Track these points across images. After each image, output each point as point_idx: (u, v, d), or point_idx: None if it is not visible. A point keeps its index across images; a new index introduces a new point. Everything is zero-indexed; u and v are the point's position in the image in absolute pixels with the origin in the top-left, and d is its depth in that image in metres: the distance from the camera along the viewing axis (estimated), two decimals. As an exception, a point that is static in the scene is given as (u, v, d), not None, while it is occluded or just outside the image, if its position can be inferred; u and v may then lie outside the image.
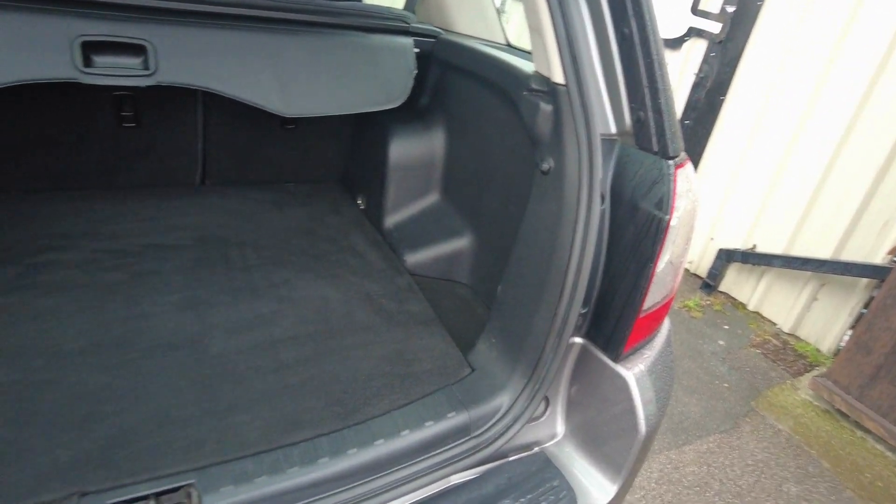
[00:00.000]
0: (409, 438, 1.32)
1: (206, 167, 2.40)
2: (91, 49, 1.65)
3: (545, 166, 1.42)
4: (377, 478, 1.27)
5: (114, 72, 1.70)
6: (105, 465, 1.16)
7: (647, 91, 1.20)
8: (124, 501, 1.08)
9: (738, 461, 2.77)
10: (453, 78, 2.13)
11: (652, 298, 1.36)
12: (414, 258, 2.09)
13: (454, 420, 1.38)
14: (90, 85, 1.66)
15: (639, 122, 1.24)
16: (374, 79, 2.07)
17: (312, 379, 1.47)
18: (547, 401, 1.54)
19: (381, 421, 1.35)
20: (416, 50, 2.13)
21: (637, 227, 1.29)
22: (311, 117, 2.01)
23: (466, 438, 1.39)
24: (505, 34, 2.27)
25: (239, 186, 2.47)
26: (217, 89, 1.83)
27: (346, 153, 2.61)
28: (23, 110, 1.94)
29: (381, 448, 1.29)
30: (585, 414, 1.55)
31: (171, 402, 1.34)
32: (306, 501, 1.19)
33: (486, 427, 1.41)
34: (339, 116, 2.08)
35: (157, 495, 1.11)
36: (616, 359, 1.42)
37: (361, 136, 2.49)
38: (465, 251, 2.05)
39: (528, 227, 1.53)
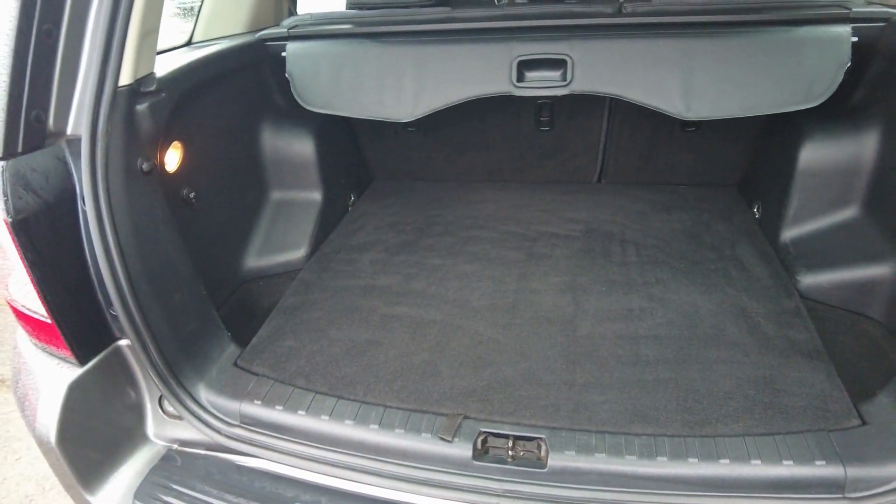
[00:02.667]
0: (759, 470, 1.22)
1: (603, 167, 2.59)
2: (524, 66, 2.00)
3: None
4: (717, 496, 1.22)
5: (539, 84, 2.02)
6: (483, 401, 1.45)
7: None
8: (491, 433, 1.35)
9: None
10: None
11: None
12: (811, 280, 1.83)
13: (823, 470, 1.20)
14: (519, 96, 2.03)
15: None
16: (793, 76, 1.87)
17: (668, 381, 1.49)
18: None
19: (730, 441, 1.29)
20: (854, 39, 1.82)
21: None
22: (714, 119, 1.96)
23: (838, 497, 1.20)
24: None
25: (631, 186, 2.59)
26: (622, 95, 1.97)
27: (747, 156, 2.43)
28: (468, 118, 2.48)
29: (725, 468, 1.23)
30: None
31: (541, 366, 1.57)
32: (637, 491, 1.25)
33: (869, 493, 1.18)
34: (745, 117, 1.96)
35: (516, 438, 1.34)
36: None
37: (769, 138, 2.27)
38: (884, 280, 1.68)
39: None
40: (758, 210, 2.27)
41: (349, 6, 2.29)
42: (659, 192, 2.52)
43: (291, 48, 2.17)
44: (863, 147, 1.85)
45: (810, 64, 1.85)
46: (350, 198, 2.63)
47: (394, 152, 2.75)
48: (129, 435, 1.53)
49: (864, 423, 1.30)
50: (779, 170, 2.08)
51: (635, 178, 2.60)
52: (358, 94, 2.14)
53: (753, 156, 2.41)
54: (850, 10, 1.86)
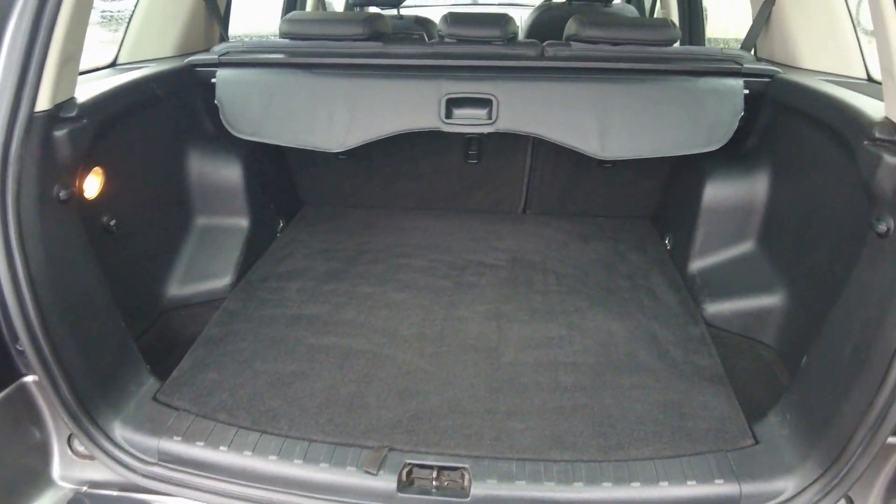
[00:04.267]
0: (666, 491, 1.31)
1: (528, 199, 2.71)
2: (452, 104, 2.08)
3: (882, 228, 1.23)
4: None
5: (466, 121, 2.11)
6: (409, 432, 1.48)
7: None
8: (417, 465, 1.37)
9: None
10: (787, 120, 1.95)
11: None
12: (714, 308, 1.98)
13: (721, 488, 1.31)
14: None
15: None
16: (696, 122, 2.05)
17: (584, 407, 1.57)
18: (849, 502, 1.31)
19: (641, 465, 1.37)
20: (746, 91, 2.02)
21: None
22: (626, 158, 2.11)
23: None
24: (866, 66, 1.97)
25: (553, 217, 2.71)
26: (542, 135, 2.08)
27: (660, 191, 2.61)
28: (400, 147, 2.53)
29: (637, 491, 1.31)
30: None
31: (466, 394, 1.61)
32: None
33: None
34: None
35: (440, 468, 1.37)
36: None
37: (679, 176, 2.46)
38: (775, 310, 1.85)
39: (853, 296, 1.34)
40: (669, 242, 2.44)
41: (281, 36, 2.29)
42: (578, 222, 2.65)
43: (221, 75, 2.16)
44: (756, 188, 2.04)
45: (710, 111, 2.04)
46: (279, 224, 2.60)
47: (325, 179, 2.75)
48: (31, 479, 1.43)
49: (756, 442, 1.42)
50: (686, 206, 2.26)
51: (557, 209, 2.73)
52: (288, 123, 2.15)
53: (666, 191, 2.59)
54: (742, 65, 2.07)
